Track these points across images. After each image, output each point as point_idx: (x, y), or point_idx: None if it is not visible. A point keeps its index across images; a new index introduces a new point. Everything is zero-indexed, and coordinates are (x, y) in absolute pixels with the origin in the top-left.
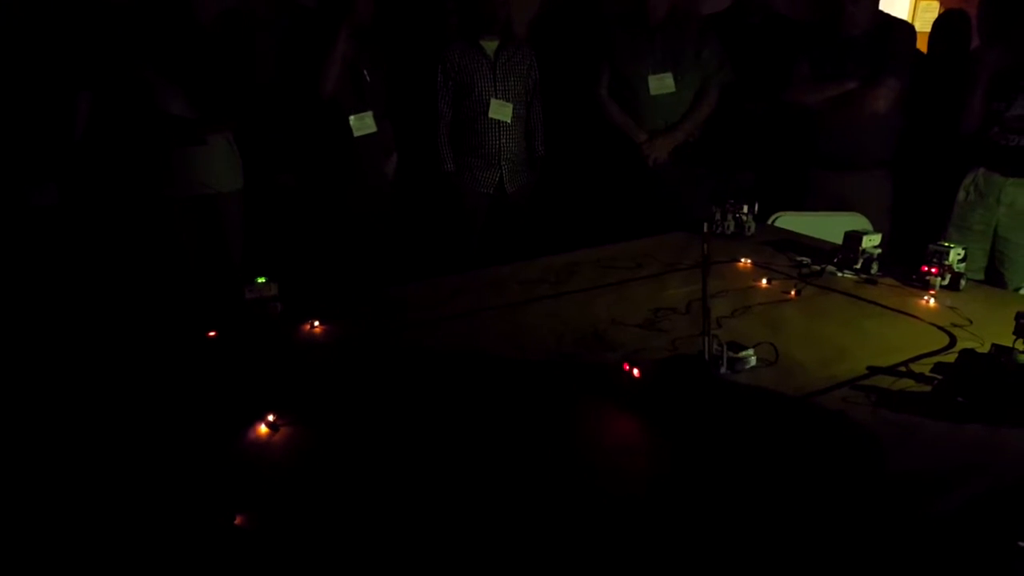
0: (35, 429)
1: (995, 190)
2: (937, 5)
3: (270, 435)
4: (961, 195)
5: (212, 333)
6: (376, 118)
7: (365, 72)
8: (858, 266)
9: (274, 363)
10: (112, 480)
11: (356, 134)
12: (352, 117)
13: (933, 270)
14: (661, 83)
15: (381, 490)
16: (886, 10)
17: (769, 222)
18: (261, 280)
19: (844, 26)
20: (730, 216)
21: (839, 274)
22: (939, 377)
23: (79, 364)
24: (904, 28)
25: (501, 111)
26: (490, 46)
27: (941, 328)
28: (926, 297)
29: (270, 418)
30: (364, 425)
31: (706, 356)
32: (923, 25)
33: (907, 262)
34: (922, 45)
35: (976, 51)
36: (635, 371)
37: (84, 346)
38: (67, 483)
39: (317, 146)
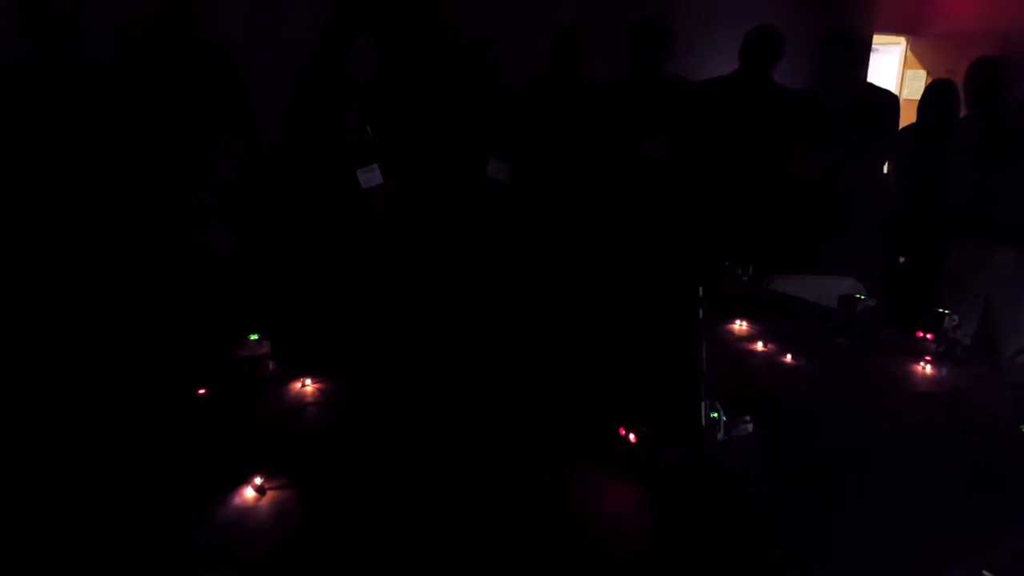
0: (16, 485)
1: (985, 256)
2: (924, 73)
3: (257, 499)
4: (952, 261)
5: (202, 391)
6: (382, 170)
7: (368, 127)
8: (853, 331)
9: (264, 423)
10: (92, 546)
11: (364, 187)
12: (360, 171)
13: (928, 336)
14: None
15: (371, 560)
16: (873, 79)
17: (763, 285)
18: (254, 337)
19: (830, 96)
20: (725, 279)
21: (834, 339)
22: (938, 448)
23: (69, 420)
24: (888, 97)
25: None
26: None
27: (938, 396)
28: (922, 364)
29: (257, 481)
30: (355, 490)
31: (702, 422)
32: (911, 93)
33: (901, 327)
34: (909, 111)
35: (963, 120)
36: (631, 436)
37: (75, 403)
38: (44, 551)
39: (320, 203)
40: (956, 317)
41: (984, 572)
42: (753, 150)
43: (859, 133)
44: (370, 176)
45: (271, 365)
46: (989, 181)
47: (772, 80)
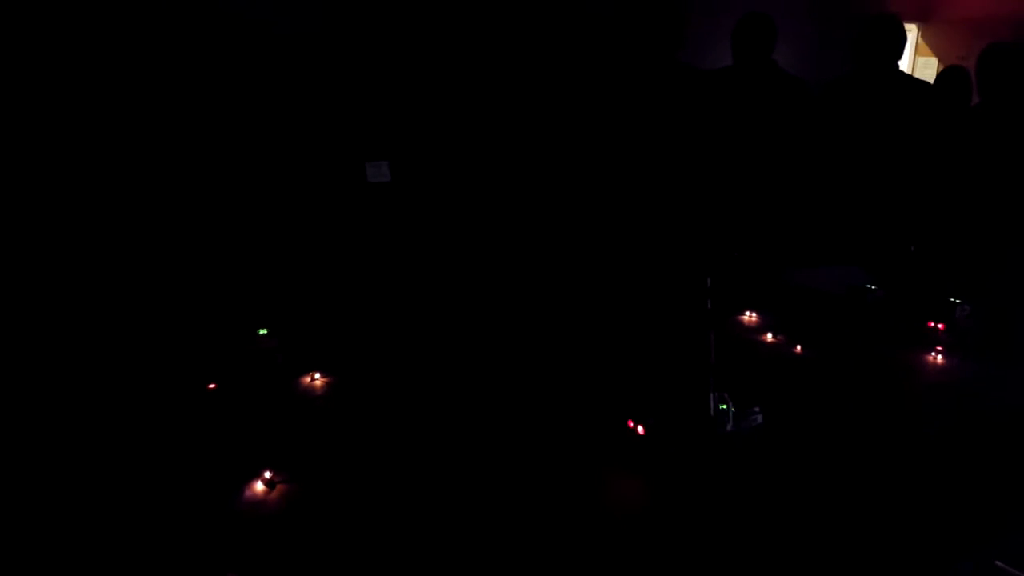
0: (34, 476)
1: (998, 245)
2: (936, 60)
3: (267, 493)
4: (965, 250)
5: (212, 385)
6: (392, 168)
7: (382, 122)
8: (864, 320)
9: (273, 417)
10: (105, 536)
11: (369, 180)
12: (368, 164)
13: (940, 326)
14: None
15: (381, 554)
16: None
17: (775, 275)
18: (263, 332)
19: (871, 83)
20: (735, 270)
21: (845, 328)
22: (950, 438)
23: (81, 414)
24: (926, 88)
25: None
26: None
27: (949, 386)
28: (933, 353)
29: (267, 475)
30: (363, 484)
31: (711, 413)
32: None
33: (913, 317)
34: None
35: (976, 108)
36: (640, 428)
37: (87, 396)
38: (61, 540)
39: (327, 195)
40: (968, 306)
41: (997, 562)
42: (765, 140)
43: (898, 123)
44: (377, 171)
45: (279, 358)
46: (1002, 170)
47: (779, 68)
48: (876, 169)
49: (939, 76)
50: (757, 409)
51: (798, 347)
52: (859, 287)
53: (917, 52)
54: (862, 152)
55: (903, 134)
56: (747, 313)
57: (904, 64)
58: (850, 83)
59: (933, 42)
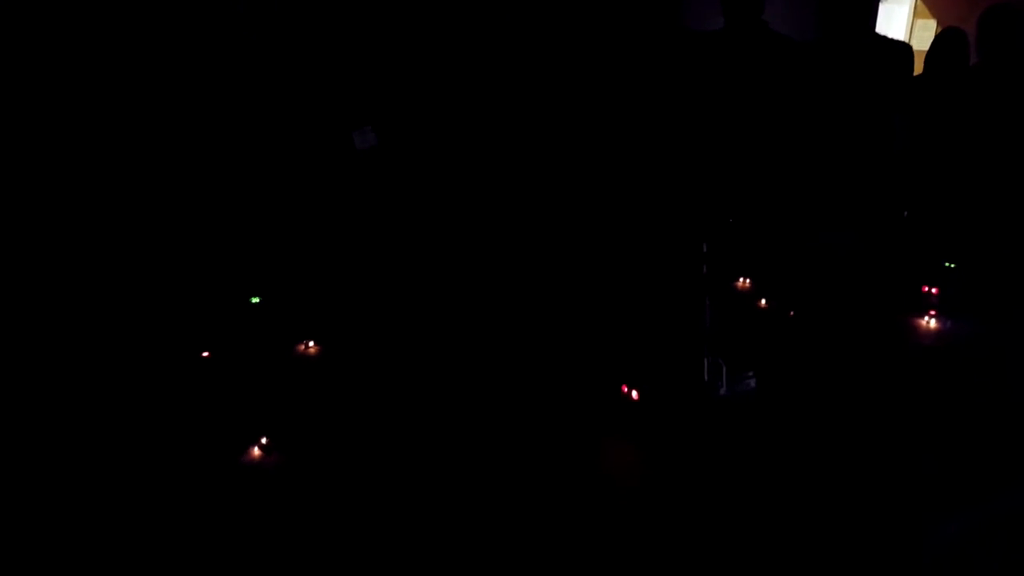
0: (32, 446)
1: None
2: (934, 24)
3: (263, 458)
4: (961, 215)
5: (206, 353)
6: (377, 131)
7: (360, 88)
8: (857, 286)
9: (268, 384)
10: (98, 509)
11: (358, 147)
12: (354, 132)
13: (934, 290)
14: None
15: (376, 521)
16: (883, 29)
17: (769, 241)
18: (255, 300)
19: (842, 45)
20: (732, 236)
21: (837, 294)
22: (940, 403)
23: (76, 386)
24: (900, 47)
25: None
26: None
27: (942, 350)
28: (926, 318)
29: (263, 441)
30: (358, 451)
31: (705, 377)
32: (920, 44)
33: (906, 281)
34: (918, 62)
35: (974, 69)
36: (634, 393)
37: (83, 360)
38: (61, 511)
39: (316, 162)
40: (961, 270)
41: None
42: (757, 103)
43: (871, 83)
44: (364, 137)
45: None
46: (999, 131)
47: (771, 30)
48: (852, 131)
49: (937, 38)
50: (751, 374)
51: (792, 312)
52: (856, 252)
53: (916, 15)
54: (835, 113)
55: (868, 95)
56: (741, 279)
57: (902, 27)
58: (818, 47)
59: (932, 4)
